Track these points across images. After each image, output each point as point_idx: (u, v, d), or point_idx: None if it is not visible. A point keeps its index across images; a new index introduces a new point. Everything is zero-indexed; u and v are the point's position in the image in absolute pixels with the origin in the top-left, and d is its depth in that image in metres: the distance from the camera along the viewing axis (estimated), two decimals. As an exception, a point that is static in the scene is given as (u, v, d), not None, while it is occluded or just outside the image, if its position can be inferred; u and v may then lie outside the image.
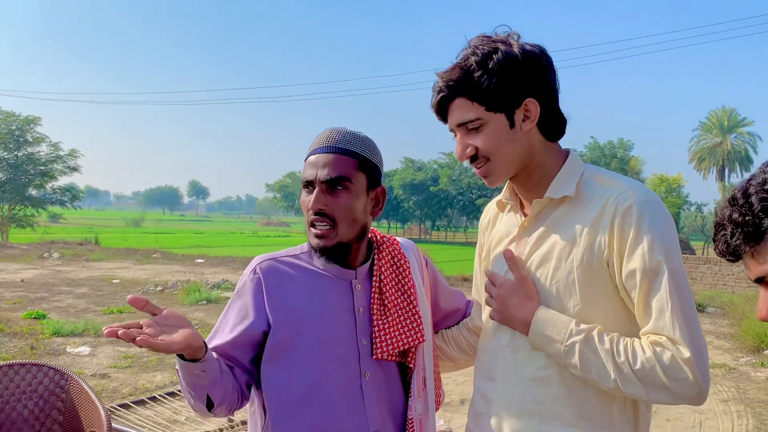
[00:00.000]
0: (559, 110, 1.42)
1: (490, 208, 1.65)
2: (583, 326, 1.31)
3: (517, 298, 1.39)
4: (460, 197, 55.37)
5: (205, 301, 12.23)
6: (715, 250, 0.98)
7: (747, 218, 0.89)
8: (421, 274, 1.67)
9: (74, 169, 34.95)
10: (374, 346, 1.50)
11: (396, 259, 1.62)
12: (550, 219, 1.40)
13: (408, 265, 1.62)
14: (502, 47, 1.34)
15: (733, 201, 0.92)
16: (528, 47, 1.36)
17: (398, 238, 1.69)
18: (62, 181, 35.88)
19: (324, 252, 1.47)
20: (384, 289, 1.55)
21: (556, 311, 1.35)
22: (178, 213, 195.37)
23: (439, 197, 56.89)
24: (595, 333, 1.30)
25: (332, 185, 1.45)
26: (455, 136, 1.43)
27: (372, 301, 1.53)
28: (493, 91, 1.33)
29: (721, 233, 0.94)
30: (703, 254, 30.89)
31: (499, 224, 1.58)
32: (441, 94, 1.39)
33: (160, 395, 3.38)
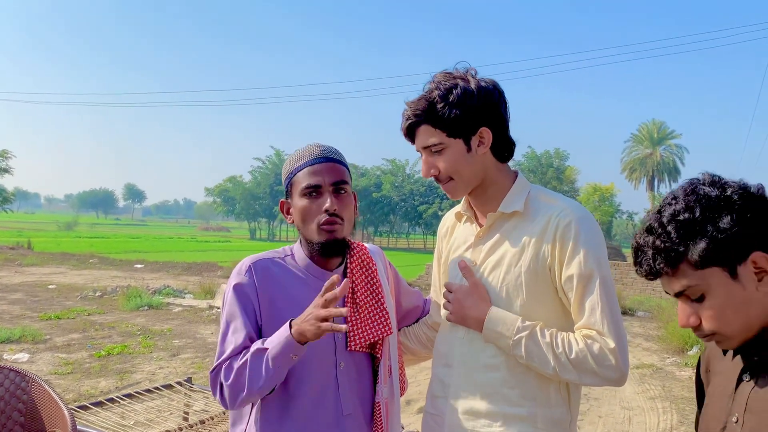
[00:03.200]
0: (509, 136, 1.67)
1: (448, 218, 1.88)
2: (527, 323, 1.55)
3: (471, 300, 1.62)
4: (403, 203, 55.84)
5: (146, 307, 12.05)
6: (637, 271, 1.19)
7: (667, 245, 1.10)
8: (386, 276, 1.87)
9: (5, 170, 33.50)
10: (348, 340, 1.69)
11: (365, 262, 1.80)
12: (502, 230, 1.65)
13: (375, 267, 1.82)
14: (461, 83, 1.57)
15: (650, 230, 1.14)
16: (483, 83, 1.59)
17: (366, 244, 1.88)
18: (-9, 183, 34.27)
19: (333, 245, 1.66)
20: (356, 288, 1.74)
21: (504, 310, 1.59)
22: (113, 217, 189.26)
23: (381, 203, 57.24)
24: (537, 329, 1.55)
25: (338, 189, 1.66)
26: (422, 156, 1.67)
27: (346, 299, 1.72)
28: (452, 121, 1.57)
29: (643, 257, 1.15)
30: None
31: (456, 232, 1.81)
32: (409, 121, 1.63)
33: (118, 396, 3.41)
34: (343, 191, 1.67)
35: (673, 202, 1.13)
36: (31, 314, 10.92)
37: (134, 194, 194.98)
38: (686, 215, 1.09)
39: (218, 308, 11.83)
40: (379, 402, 1.73)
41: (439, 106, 1.56)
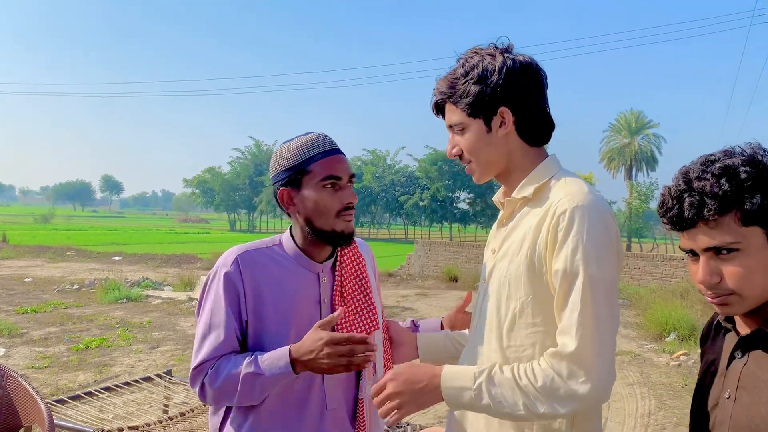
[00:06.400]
0: (541, 118, 1.53)
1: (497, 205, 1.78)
2: (483, 367, 1.39)
3: (417, 376, 1.41)
4: (384, 194, 55.81)
5: (125, 300, 11.93)
6: (669, 217, 1.18)
7: (723, 190, 1.11)
8: (374, 271, 1.87)
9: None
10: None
11: (355, 256, 1.79)
12: (516, 217, 1.53)
13: (364, 262, 1.81)
14: (486, 60, 1.49)
15: (702, 177, 1.14)
16: (510, 60, 1.49)
17: (355, 238, 1.83)
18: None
19: (349, 237, 1.68)
20: (344, 282, 1.73)
21: (457, 365, 1.44)
22: (90, 209, 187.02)
23: (362, 194, 57.11)
24: (496, 368, 1.37)
25: (351, 180, 1.68)
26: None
27: (334, 292, 1.70)
28: (471, 99, 1.49)
29: (685, 203, 1.14)
30: (612, 249, 32.32)
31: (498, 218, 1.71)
32: (435, 99, 1.60)
33: (96, 390, 3.37)
34: (352, 184, 1.70)
35: (726, 158, 1.14)
36: (7, 308, 10.77)
37: (112, 186, 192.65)
38: (747, 168, 1.11)
39: (197, 300, 11.75)
40: (362, 399, 1.71)
41: (460, 83, 1.51)
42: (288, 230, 1.74)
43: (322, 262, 1.71)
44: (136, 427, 2.86)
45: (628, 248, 42.41)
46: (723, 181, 1.11)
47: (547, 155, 1.57)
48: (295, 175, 1.63)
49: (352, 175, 1.68)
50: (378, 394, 1.42)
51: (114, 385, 3.46)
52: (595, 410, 1.50)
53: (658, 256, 18.43)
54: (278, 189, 1.66)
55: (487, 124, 1.51)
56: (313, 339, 1.50)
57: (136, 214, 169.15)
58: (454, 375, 1.39)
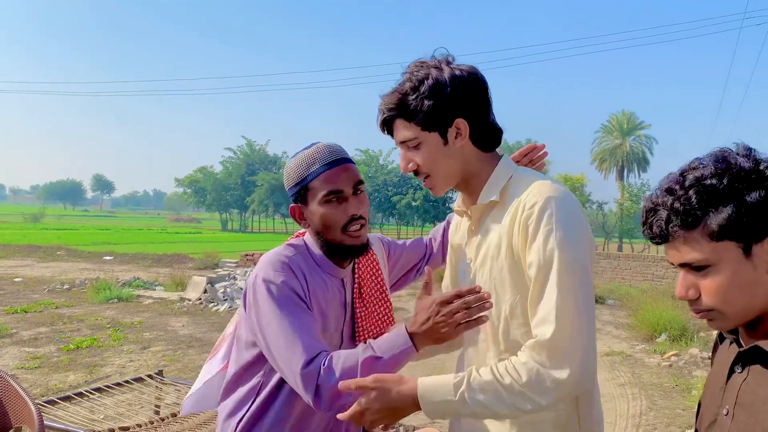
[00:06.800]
0: (491, 124, 1.55)
1: (455, 216, 1.79)
2: (459, 375, 1.36)
3: (392, 391, 1.37)
4: (376, 194, 55.79)
5: (116, 299, 11.87)
6: (644, 231, 1.13)
7: (686, 207, 1.05)
8: (384, 263, 1.90)
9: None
10: (356, 333, 1.71)
11: (370, 255, 1.81)
12: (486, 223, 1.54)
13: (377, 259, 1.83)
14: (434, 73, 1.48)
15: (671, 191, 1.07)
16: (458, 71, 1.49)
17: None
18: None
19: (361, 249, 1.66)
20: (362, 283, 1.75)
21: (432, 376, 1.38)
22: (81, 208, 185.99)
23: (354, 194, 56.95)
24: (473, 373, 1.34)
25: (357, 190, 1.65)
26: (401, 150, 1.59)
27: (354, 294, 1.74)
28: (426, 114, 1.47)
29: (655, 218, 1.09)
30: (603, 250, 32.59)
31: (459, 229, 1.72)
32: (383, 116, 1.55)
33: (87, 390, 3.35)
34: (360, 192, 1.66)
35: (701, 166, 1.06)
36: (-3, 308, 10.68)
37: (103, 185, 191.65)
38: (713, 181, 1.03)
39: (189, 300, 11.72)
40: None
41: (411, 98, 1.48)
42: (308, 235, 1.74)
43: (345, 267, 1.73)
44: (126, 428, 2.84)
45: (620, 249, 42.60)
46: (690, 193, 1.04)
47: (500, 157, 1.60)
48: (301, 191, 1.65)
49: (359, 183, 1.65)
50: (355, 417, 1.40)
51: (105, 386, 3.44)
52: (595, 396, 1.51)
53: (649, 256, 18.52)
54: (291, 204, 1.72)
55: (443, 136, 1.51)
56: (424, 306, 1.47)
57: (128, 214, 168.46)
58: (430, 390, 1.35)
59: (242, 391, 1.70)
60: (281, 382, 1.64)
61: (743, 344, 1.13)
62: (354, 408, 1.40)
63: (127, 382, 3.65)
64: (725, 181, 1.02)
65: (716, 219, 1.03)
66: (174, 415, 3.13)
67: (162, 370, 3.92)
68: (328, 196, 1.61)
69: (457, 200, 1.69)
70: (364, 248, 1.68)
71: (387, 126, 1.57)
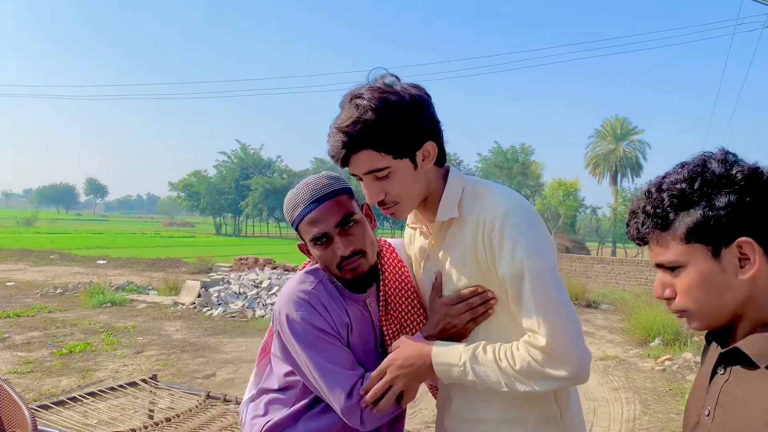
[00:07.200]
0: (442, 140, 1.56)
1: (407, 229, 1.81)
2: (469, 347, 1.47)
3: (410, 359, 1.52)
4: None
5: (109, 304, 11.84)
6: (627, 234, 1.19)
7: (657, 210, 1.09)
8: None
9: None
10: (386, 350, 1.69)
11: (395, 266, 1.76)
12: (447, 238, 1.57)
13: (405, 268, 1.77)
14: (394, 98, 1.43)
15: (648, 194, 1.12)
16: (415, 92, 1.46)
17: (392, 241, 1.83)
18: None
19: (361, 280, 1.64)
20: (389, 300, 1.71)
21: (446, 342, 1.52)
22: (74, 212, 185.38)
23: (348, 198, 56.91)
24: (480, 348, 1.45)
25: (345, 225, 1.59)
26: (362, 181, 1.52)
27: (381, 313, 1.70)
28: (398, 142, 1.44)
29: (634, 220, 1.14)
30: (597, 254, 32.70)
31: (414, 243, 1.74)
32: (345, 149, 1.46)
33: (80, 395, 3.34)
34: (351, 224, 1.59)
35: (679, 170, 1.09)
36: (-11, 312, 10.63)
37: (96, 189, 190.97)
38: (684, 185, 1.07)
39: (183, 304, 11.69)
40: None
41: (381, 127, 1.42)
42: None
43: (366, 290, 1.69)
44: (120, 433, 2.83)
45: (613, 253, 42.71)
46: (663, 196, 1.08)
47: (447, 168, 1.60)
48: (297, 232, 1.66)
49: (345, 217, 1.58)
50: (378, 379, 1.53)
51: (98, 390, 3.43)
52: (574, 392, 1.59)
53: (643, 261, 18.57)
54: (298, 243, 1.73)
55: (413, 161, 1.49)
56: (434, 309, 1.59)
57: (121, 218, 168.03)
58: (442, 353, 1.48)
59: (276, 396, 1.73)
60: (316, 400, 1.67)
61: (731, 344, 1.15)
62: (378, 369, 1.54)
63: (121, 386, 3.63)
64: (696, 186, 1.06)
65: (685, 221, 1.07)
66: (168, 419, 3.12)
67: (156, 375, 3.91)
68: (313, 241, 1.60)
69: (410, 218, 1.70)
70: (369, 277, 1.65)
71: (347, 158, 1.48)
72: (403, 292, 1.73)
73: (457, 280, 1.54)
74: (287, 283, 1.70)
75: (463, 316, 1.52)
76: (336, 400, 1.57)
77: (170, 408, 3.56)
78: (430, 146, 1.50)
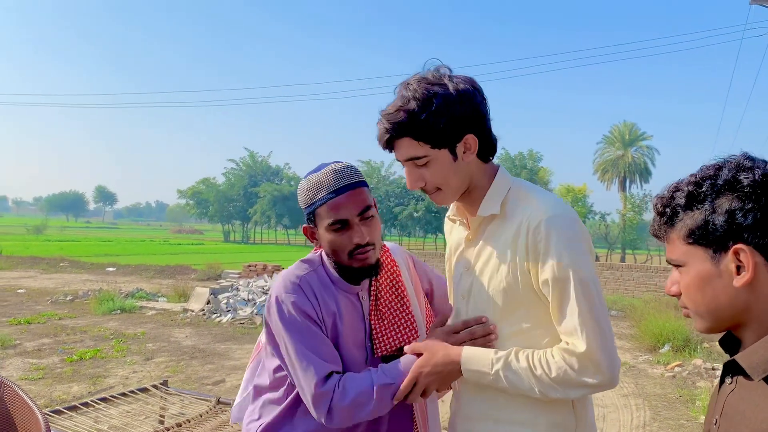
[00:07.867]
0: (492, 136, 1.58)
1: (447, 222, 1.84)
2: (501, 353, 1.49)
3: (439, 353, 1.55)
4: (379, 205, 55.63)
5: (119, 311, 11.88)
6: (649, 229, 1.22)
7: (666, 209, 1.11)
8: (410, 275, 1.86)
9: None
10: (374, 346, 1.71)
11: (389, 266, 1.80)
12: (486, 233, 1.59)
13: (399, 269, 1.81)
14: (439, 90, 1.47)
15: (666, 192, 1.14)
16: (462, 86, 1.49)
17: (387, 243, 1.86)
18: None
19: (367, 271, 1.66)
20: (379, 296, 1.74)
21: (475, 347, 1.54)
22: (83, 220, 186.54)
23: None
24: (512, 356, 1.48)
25: (364, 216, 1.62)
26: (404, 167, 1.59)
27: (371, 307, 1.73)
28: (436, 132, 1.48)
29: (653, 216, 1.17)
30: (606, 261, 32.54)
31: (453, 235, 1.77)
32: (387, 135, 1.53)
33: (92, 401, 3.37)
34: (370, 216, 1.64)
35: (698, 172, 1.11)
36: (0, 319, 10.69)
37: (105, 197, 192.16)
38: (693, 186, 1.08)
39: (192, 311, 11.73)
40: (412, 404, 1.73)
41: (420, 117, 1.47)
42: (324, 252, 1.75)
43: (360, 284, 1.72)
44: (132, 438, 2.86)
45: (622, 260, 42.51)
46: (675, 195, 1.10)
47: (496, 168, 1.63)
48: (310, 216, 1.67)
49: (366, 208, 1.62)
50: (409, 388, 1.56)
51: (110, 396, 3.46)
52: (589, 398, 1.61)
53: (652, 267, 18.49)
54: (303, 226, 1.74)
55: (453, 152, 1.53)
56: (434, 335, 1.63)
57: (130, 225, 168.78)
58: (472, 359, 1.51)
59: (269, 396, 1.74)
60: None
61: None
62: (409, 377, 1.56)
63: (132, 392, 3.66)
64: (704, 188, 1.07)
65: (686, 222, 1.08)
66: (179, 425, 3.15)
67: (166, 381, 3.94)
68: (333, 225, 1.61)
69: (451, 210, 1.74)
70: (373, 269, 1.68)
71: (390, 144, 1.55)
72: (393, 290, 1.77)
73: (491, 275, 1.55)
74: (284, 270, 1.73)
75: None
76: (307, 387, 1.56)
77: (181, 414, 3.59)
78: (470, 139, 1.52)
